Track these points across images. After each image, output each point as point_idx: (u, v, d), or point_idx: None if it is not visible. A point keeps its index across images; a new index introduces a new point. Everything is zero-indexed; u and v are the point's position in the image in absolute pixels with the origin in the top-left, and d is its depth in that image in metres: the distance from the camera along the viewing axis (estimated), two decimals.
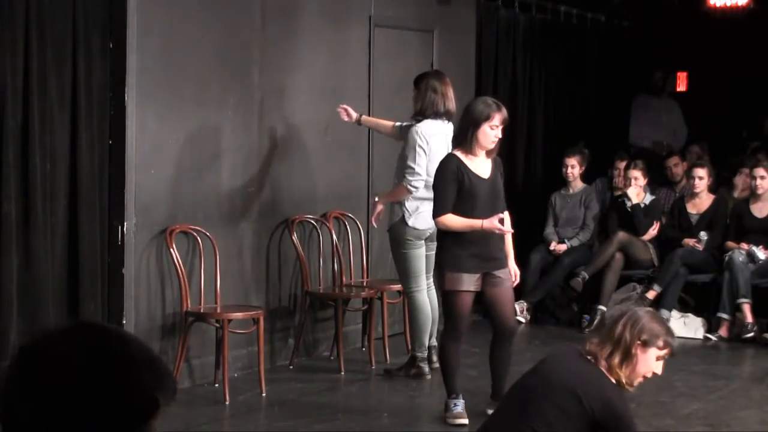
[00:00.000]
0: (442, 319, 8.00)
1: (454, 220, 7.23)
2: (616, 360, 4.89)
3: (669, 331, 5.04)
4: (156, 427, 2.13)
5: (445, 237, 7.33)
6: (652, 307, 9.40)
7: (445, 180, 7.28)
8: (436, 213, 7.32)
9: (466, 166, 7.26)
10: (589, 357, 4.94)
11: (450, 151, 7.56)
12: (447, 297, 7.38)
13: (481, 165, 7.32)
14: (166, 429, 7.65)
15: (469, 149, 7.29)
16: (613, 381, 4.90)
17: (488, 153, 7.36)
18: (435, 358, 8.77)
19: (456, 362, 7.42)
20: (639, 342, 4.89)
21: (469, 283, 7.23)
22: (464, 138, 7.31)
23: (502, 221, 7.17)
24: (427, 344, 8.81)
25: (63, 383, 2.04)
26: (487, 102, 7.37)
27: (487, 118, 7.23)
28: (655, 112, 14.55)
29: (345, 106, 8.97)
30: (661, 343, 4.94)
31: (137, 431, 2.10)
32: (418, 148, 8.39)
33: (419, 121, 8.50)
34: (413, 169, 8.39)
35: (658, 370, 4.99)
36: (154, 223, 8.03)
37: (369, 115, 9.45)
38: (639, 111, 14.55)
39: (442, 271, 7.31)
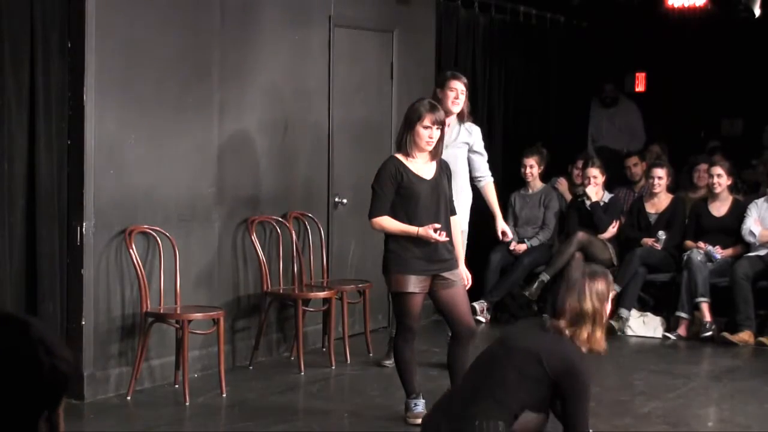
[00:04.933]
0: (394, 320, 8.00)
1: (389, 223, 7.22)
2: (587, 332, 5.08)
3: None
4: (62, 412, 2.14)
5: (390, 238, 7.30)
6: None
7: (381, 182, 7.26)
8: (371, 214, 7.29)
9: (405, 167, 7.23)
10: (554, 330, 5.09)
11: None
12: (395, 299, 7.39)
13: (422, 166, 7.29)
14: (126, 430, 7.58)
15: (407, 151, 7.27)
16: (580, 347, 5.05)
17: (433, 155, 7.33)
18: (389, 358, 8.80)
19: (411, 363, 7.40)
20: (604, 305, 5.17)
21: (416, 284, 7.20)
22: (402, 140, 7.32)
23: (437, 230, 7.10)
24: None
25: None
26: (423, 103, 7.34)
27: (419, 118, 7.21)
28: (608, 120, 14.60)
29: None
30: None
31: (49, 412, 2.12)
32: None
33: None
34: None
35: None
36: (113, 224, 7.99)
37: (330, 114, 9.47)
38: (594, 118, 14.62)
39: (388, 272, 7.30)
